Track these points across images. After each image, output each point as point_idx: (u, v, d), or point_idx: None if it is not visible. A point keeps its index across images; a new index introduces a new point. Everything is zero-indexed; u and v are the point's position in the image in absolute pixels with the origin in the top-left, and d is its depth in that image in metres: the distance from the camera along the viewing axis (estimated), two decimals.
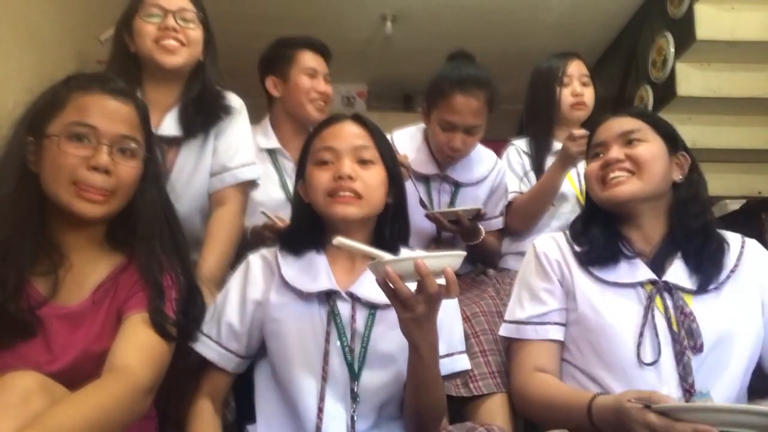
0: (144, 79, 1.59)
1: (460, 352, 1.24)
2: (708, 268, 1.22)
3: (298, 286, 1.17)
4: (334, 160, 1.19)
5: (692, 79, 2.88)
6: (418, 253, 1.04)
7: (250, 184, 1.69)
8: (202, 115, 1.59)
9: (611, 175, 1.26)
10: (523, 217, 1.94)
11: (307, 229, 1.25)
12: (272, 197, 1.88)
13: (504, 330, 1.32)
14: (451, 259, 0.98)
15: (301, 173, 1.27)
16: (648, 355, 1.16)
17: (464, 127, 1.73)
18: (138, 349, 1.04)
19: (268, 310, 1.19)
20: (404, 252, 1.24)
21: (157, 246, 1.13)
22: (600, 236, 1.28)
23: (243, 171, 1.65)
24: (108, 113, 1.09)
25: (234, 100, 1.70)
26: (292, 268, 1.21)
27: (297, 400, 1.13)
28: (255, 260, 1.26)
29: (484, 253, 1.91)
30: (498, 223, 1.95)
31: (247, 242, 1.65)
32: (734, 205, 2.43)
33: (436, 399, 1.13)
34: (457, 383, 1.43)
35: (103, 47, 2.03)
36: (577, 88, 2.04)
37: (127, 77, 1.47)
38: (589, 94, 2.06)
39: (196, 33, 1.58)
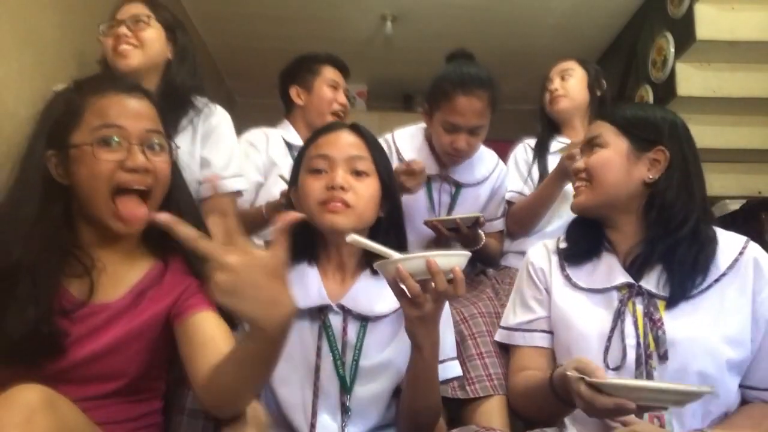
0: None
1: (452, 359, 1.26)
2: (686, 275, 1.17)
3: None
4: (328, 169, 1.18)
5: (692, 79, 2.88)
6: (429, 252, 1.05)
7: (238, 194, 1.75)
8: (173, 111, 1.61)
9: (575, 184, 1.30)
10: (520, 222, 1.96)
11: (298, 239, 1.21)
12: None
13: (498, 335, 1.38)
14: (459, 258, 1.00)
15: (294, 180, 1.26)
16: (612, 360, 1.16)
17: (468, 128, 1.73)
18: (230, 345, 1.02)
19: None
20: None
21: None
22: (583, 236, 1.30)
23: (235, 181, 1.71)
24: (130, 112, 1.07)
25: (216, 108, 1.74)
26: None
27: (289, 416, 1.14)
28: None
29: (484, 257, 1.91)
30: (499, 224, 1.96)
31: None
32: (734, 205, 2.43)
33: (433, 401, 1.14)
34: (454, 385, 1.42)
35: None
36: (552, 85, 2.10)
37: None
38: (569, 85, 2.09)
39: (148, 33, 1.64)
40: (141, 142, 1.06)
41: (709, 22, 2.78)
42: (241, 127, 1.83)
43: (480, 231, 1.77)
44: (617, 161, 1.23)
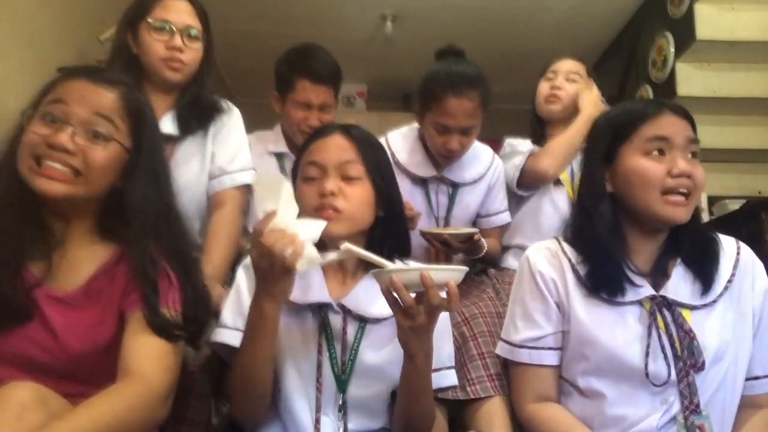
0: (143, 81, 1.62)
1: (448, 368, 1.25)
2: (706, 281, 1.19)
3: (291, 297, 1.14)
4: (320, 176, 1.18)
5: (692, 79, 2.89)
6: (424, 265, 1.04)
7: (247, 189, 1.73)
8: (197, 117, 1.65)
9: (678, 190, 1.14)
10: (553, 155, 1.90)
11: None
12: None
13: (500, 349, 1.32)
14: (455, 273, 0.99)
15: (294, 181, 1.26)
16: (658, 376, 1.13)
17: (459, 129, 1.70)
18: (150, 352, 1.02)
19: None
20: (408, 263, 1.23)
21: (150, 244, 1.09)
22: (606, 260, 1.19)
23: (242, 175, 1.71)
24: (85, 95, 1.06)
25: (230, 106, 1.76)
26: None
27: (294, 411, 1.14)
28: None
29: (486, 260, 1.90)
30: (501, 218, 1.93)
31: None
32: (734, 205, 2.43)
33: (426, 410, 1.14)
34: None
35: (103, 47, 2.04)
36: (557, 83, 2.01)
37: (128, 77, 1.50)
38: (571, 90, 2.00)
39: (198, 53, 1.64)
40: (80, 124, 1.04)
41: (709, 22, 2.79)
42: None
43: (482, 240, 1.73)
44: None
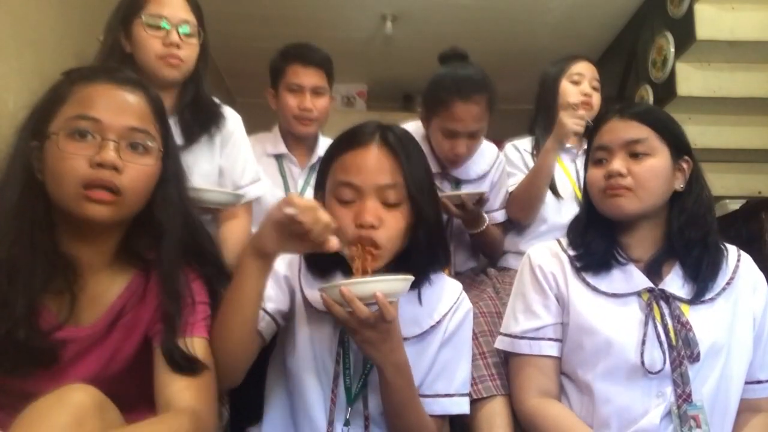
0: None
1: (462, 395, 1.19)
2: (705, 278, 1.22)
3: (317, 305, 1.12)
4: (356, 198, 1.07)
5: (692, 79, 2.88)
6: (348, 280, 0.99)
7: (256, 200, 1.77)
8: (199, 121, 1.62)
9: (612, 188, 1.22)
10: (521, 204, 1.92)
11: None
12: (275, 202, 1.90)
13: (499, 343, 1.33)
14: (379, 284, 0.96)
15: (320, 185, 1.16)
16: (654, 364, 1.15)
17: (467, 133, 1.71)
18: (196, 386, 0.97)
19: (295, 316, 1.16)
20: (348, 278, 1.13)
21: (181, 259, 1.03)
22: (596, 242, 1.27)
23: (253, 188, 1.73)
24: (114, 104, 0.96)
25: (230, 112, 1.73)
26: (313, 289, 1.14)
27: (312, 419, 1.12)
28: (281, 268, 1.17)
29: (487, 244, 1.92)
30: (499, 216, 1.94)
31: None
32: (734, 205, 2.43)
33: (413, 425, 1.10)
34: None
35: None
36: (586, 88, 2.02)
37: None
38: (596, 99, 2.04)
39: (195, 49, 1.60)
40: (119, 138, 0.95)
41: (709, 22, 2.78)
42: None
43: (483, 213, 1.79)
44: (664, 171, 1.23)
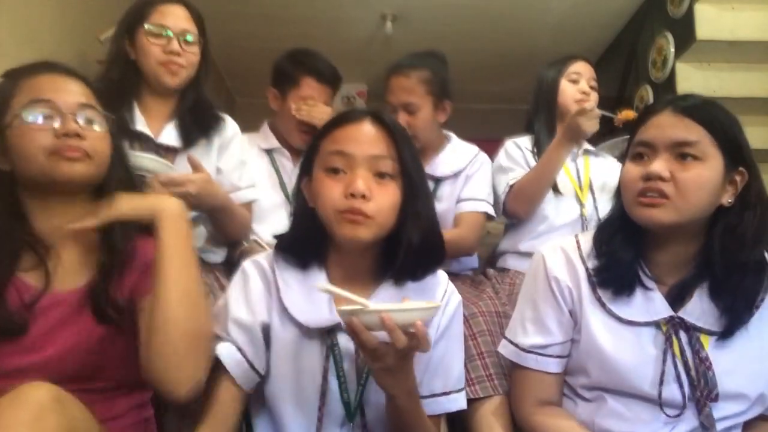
0: (142, 87, 1.65)
1: (458, 391, 1.17)
2: (740, 309, 1.08)
3: (299, 317, 1.07)
4: (347, 169, 1.04)
5: (692, 79, 2.88)
6: (390, 305, 0.95)
7: (253, 202, 1.82)
8: (198, 125, 1.67)
9: (649, 192, 1.07)
10: (523, 198, 1.89)
11: (308, 238, 1.10)
12: (270, 199, 1.91)
13: (504, 349, 1.26)
14: (422, 312, 0.92)
15: (306, 169, 1.11)
16: (672, 404, 1.08)
17: (400, 105, 1.84)
18: None
19: (271, 333, 1.10)
20: (387, 296, 1.10)
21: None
22: (622, 252, 1.13)
23: (251, 191, 1.79)
24: (61, 87, 1.07)
25: (230, 120, 1.78)
26: (292, 291, 1.09)
27: None
28: (252, 274, 1.13)
29: (460, 254, 1.88)
30: (479, 205, 1.89)
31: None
32: None
33: None
34: None
35: (103, 47, 2.04)
36: (584, 87, 2.03)
37: (126, 82, 1.59)
38: (594, 98, 2.03)
39: (196, 57, 1.66)
40: (74, 113, 1.05)
41: (709, 22, 2.78)
42: (241, 127, 1.84)
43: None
44: (712, 182, 1.06)
